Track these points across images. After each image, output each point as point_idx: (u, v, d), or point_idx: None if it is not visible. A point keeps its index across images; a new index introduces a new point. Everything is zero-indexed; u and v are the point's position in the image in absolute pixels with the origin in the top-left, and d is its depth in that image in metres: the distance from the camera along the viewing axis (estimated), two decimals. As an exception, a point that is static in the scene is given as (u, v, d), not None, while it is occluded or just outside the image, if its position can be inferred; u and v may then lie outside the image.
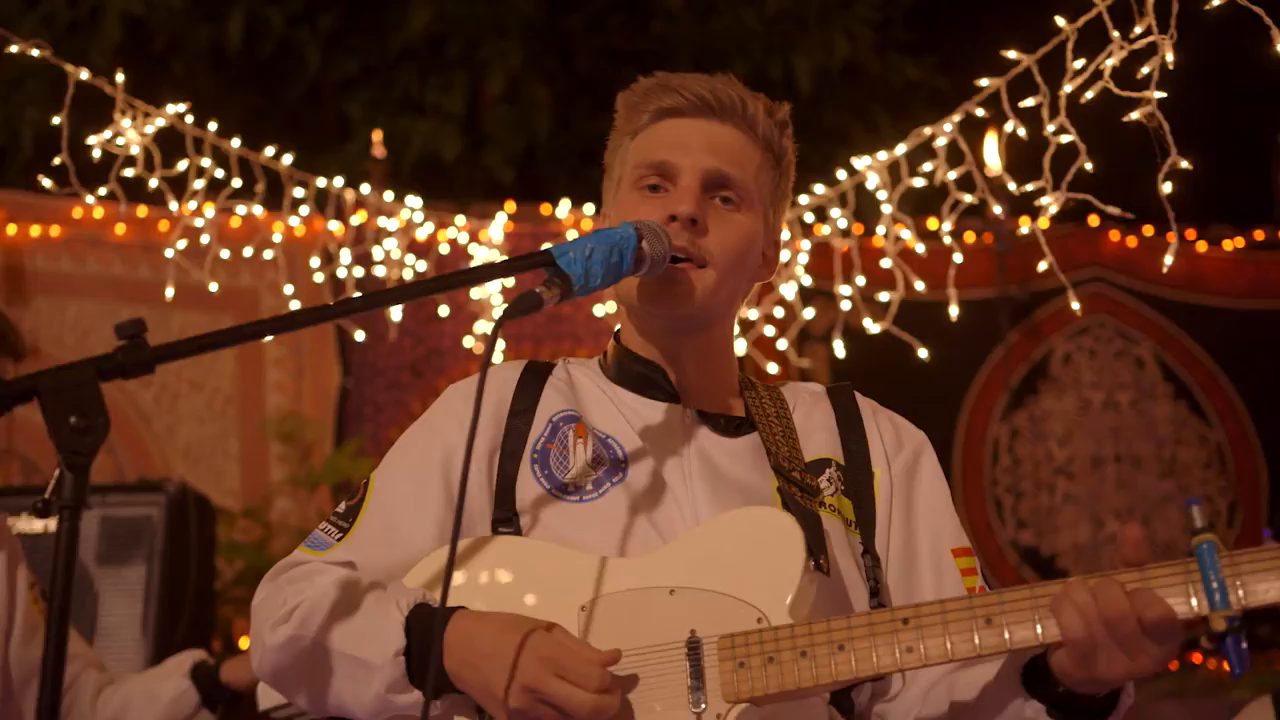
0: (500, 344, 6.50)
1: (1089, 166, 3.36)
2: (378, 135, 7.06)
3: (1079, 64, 3.25)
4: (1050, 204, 3.50)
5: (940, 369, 5.64)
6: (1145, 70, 3.05)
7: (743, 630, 1.84)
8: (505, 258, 6.50)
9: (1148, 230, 7.68)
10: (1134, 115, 2.98)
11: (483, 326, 6.49)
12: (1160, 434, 7.45)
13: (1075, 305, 3.82)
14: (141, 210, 6.46)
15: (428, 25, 8.57)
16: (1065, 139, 3.45)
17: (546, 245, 2.01)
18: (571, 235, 6.97)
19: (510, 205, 6.97)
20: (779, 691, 1.80)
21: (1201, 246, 7.76)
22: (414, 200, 5.97)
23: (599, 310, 6.55)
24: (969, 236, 7.08)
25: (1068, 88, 3.24)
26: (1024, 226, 7.24)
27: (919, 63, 9.87)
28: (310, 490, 6.60)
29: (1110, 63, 3.10)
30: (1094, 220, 7.57)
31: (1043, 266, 3.73)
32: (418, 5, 8.54)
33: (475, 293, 6.36)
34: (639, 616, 1.90)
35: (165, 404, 6.97)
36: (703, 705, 1.82)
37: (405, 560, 2.08)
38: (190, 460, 6.92)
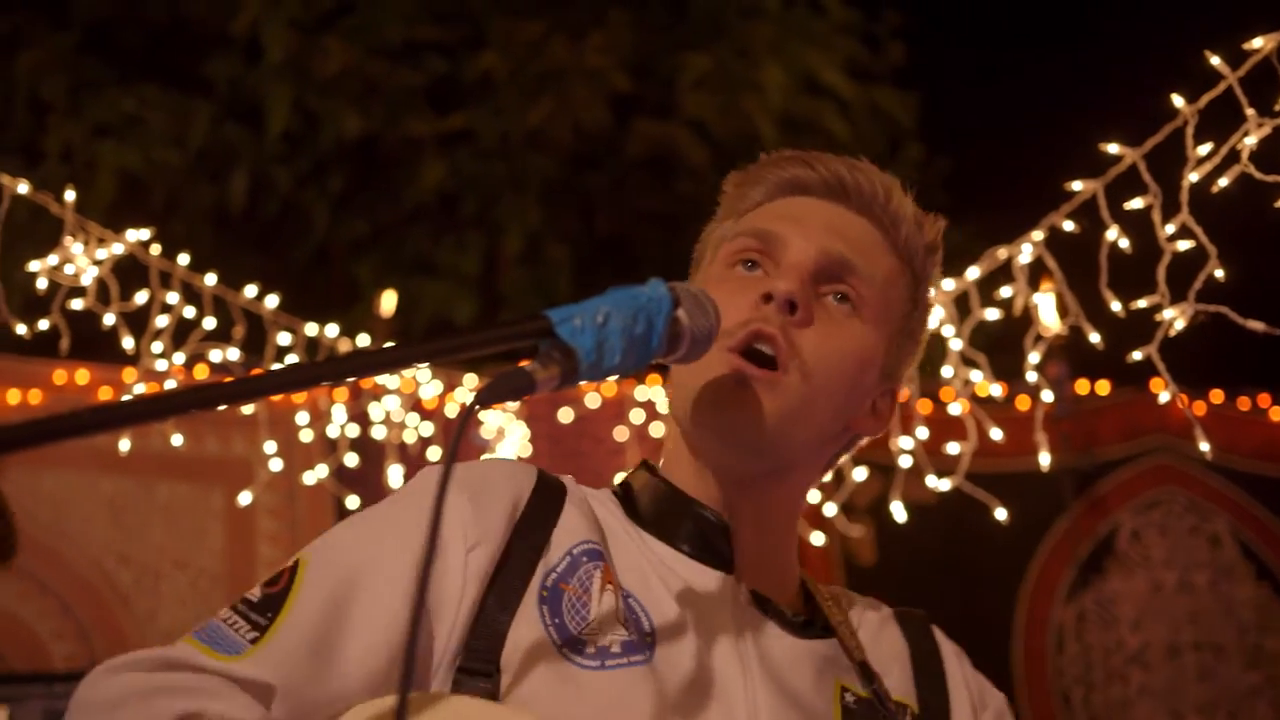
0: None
1: (1220, 274, 2.76)
2: (387, 294, 6.59)
3: (1204, 149, 2.68)
4: (1176, 317, 2.90)
5: (996, 545, 5.12)
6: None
7: None
8: (523, 429, 5.98)
9: (1216, 396, 7.14)
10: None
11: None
12: (1243, 619, 6.77)
13: (1204, 446, 3.18)
14: (129, 374, 6.01)
15: (440, 183, 8.22)
16: (1183, 245, 2.86)
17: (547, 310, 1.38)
18: (593, 401, 6.44)
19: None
20: None
21: (1276, 414, 7.21)
22: (419, 356, 5.40)
23: (620, 434, 5.99)
24: (1022, 402, 6.50)
25: (1193, 176, 2.66)
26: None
27: (957, 227, 9.53)
28: (297, 679, 5.92)
29: (1250, 141, 2.52)
30: (1158, 385, 7.01)
31: (1164, 397, 3.10)
32: (430, 162, 8.23)
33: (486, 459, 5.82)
34: None
35: (146, 585, 6.38)
36: None
37: (342, 694, 1.40)
38: (171, 647, 6.30)
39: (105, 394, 6.27)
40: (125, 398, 3.90)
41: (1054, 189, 3.40)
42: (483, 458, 1.68)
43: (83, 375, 6.21)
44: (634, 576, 1.56)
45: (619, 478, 1.74)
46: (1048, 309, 4.20)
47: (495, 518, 1.54)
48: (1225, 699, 6.58)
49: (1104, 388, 6.97)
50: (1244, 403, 7.17)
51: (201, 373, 5.45)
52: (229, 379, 1.20)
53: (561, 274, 8.32)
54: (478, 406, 1.24)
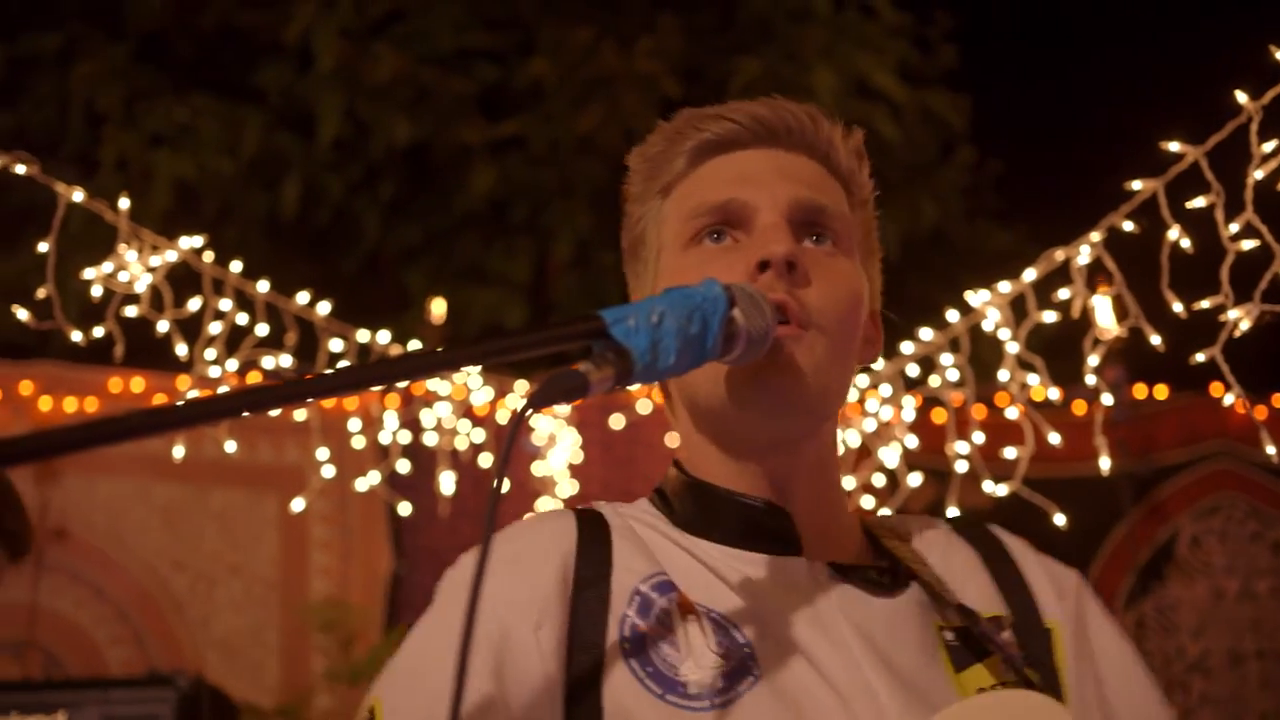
0: (566, 489, 5.92)
1: (1286, 273, 2.71)
2: (437, 302, 6.59)
3: (1269, 146, 2.63)
4: (1241, 318, 2.84)
5: (1054, 551, 5.03)
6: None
7: None
8: (575, 435, 5.96)
9: (1278, 400, 7.00)
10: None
11: (546, 503, 5.89)
12: (1307, 628, 6.66)
13: (1271, 450, 3.13)
14: (183, 382, 6.04)
15: (491, 189, 8.22)
16: (1247, 245, 2.81)
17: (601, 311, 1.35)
18: (645, 407, 6.41)
19: (577, 374, 6.41)
20: None
21: (1341, 415, 7.07)
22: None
23: (671, 440, 5.97)
24: (1079, 407, 6.41)
25: (1258, 173, 2.60)
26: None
27: (1009, 228, 9.46)
28: (350, 685, 5.94)
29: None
30: (1218, 389, 6.89)
31: (1228, 400, 3.05)
32: (480, 169, 8.22)
33: (538, 468, 5.82)
34: None
35: (201, 591, 6.41)
36: None
37: None
38: (225, 652, 6.32)
39: (160, 401, 6.30)
40: (179, 402, 3.91)
41: (1111, 189, 3.35)
42: (525, 515, 1.58)
43: (138, 383, 6.25)
44: (705, 590, 1.47)
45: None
46: (1105, 311, 4.14)
47: (547, 587, 1.46)
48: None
49: (1162, 392, 6.87)
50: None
51: (254, 379, 5.47)
52: (281, 382, 1.19)
53: (612, 280, 8.30)
54: (530, 410, 1.20)
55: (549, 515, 1.59)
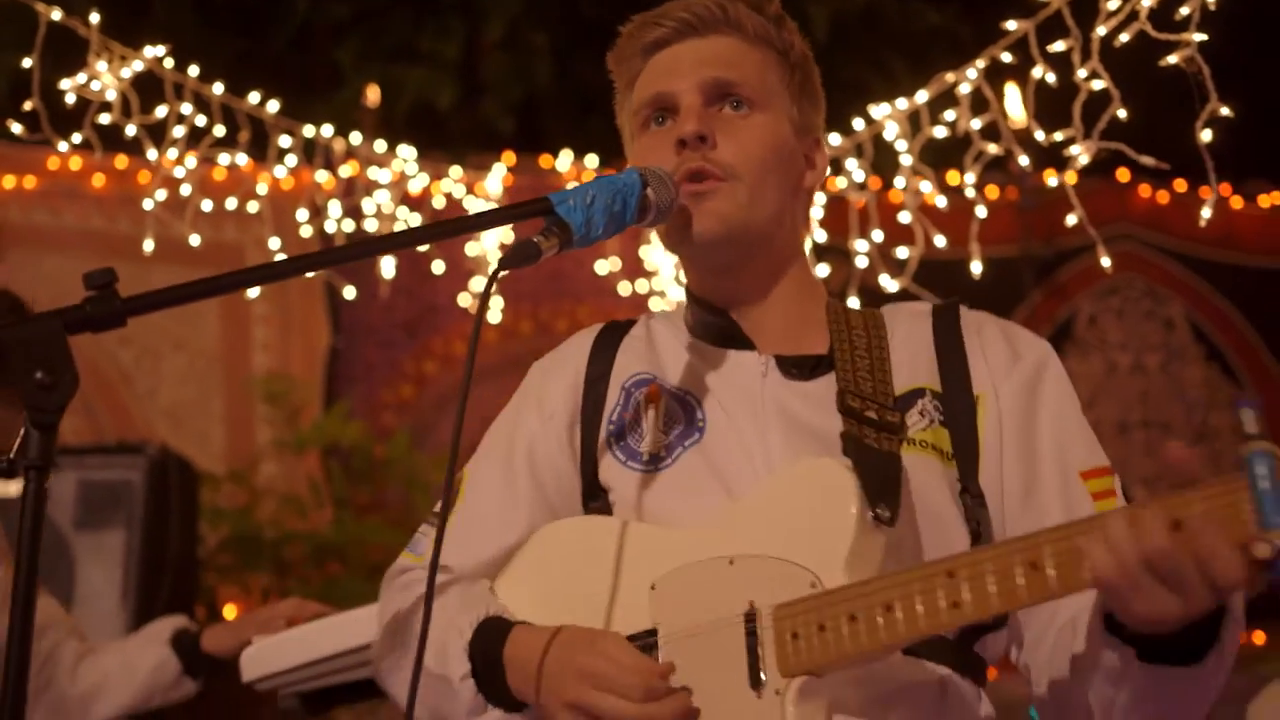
0: (498, 302, 6.22)
1: (1122, 114, 3.08)
2: (372, 89, 6.74)
3: (1113, 4, 2.95)
4: (1081, 154, 3.20)
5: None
6: (1184, 11, 2.79)
7: (797, 597, 1.67)
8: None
9: (1180, 185, 7.34)
10: (1172, 59, 2.75)
11: (479, 283, 6.17)
12: (1191, 398, 7.14)
13: (1106, 261, 3.56)
14: (121, 161, 6.16)
15: (423, -32, 8.22)
16: (1097, 86, 3.19)
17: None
18: (573, 187, 6.64)
19: (509, 157, 6.68)
20: (835, 659, 1.63)
21: (1237, 202, 7.45)
22: (407, 151, 5.65)
23: (601, 268, 6.26)
24: (991, 191, 6.73)
25: (1101, 29, 2.94)
26: (1051, 179, 6.99)
27: (940, 9, 9.54)
28: (297, 453, 6.30)
29: (1147, 3, 2.82)
30: (1124, 175, 7.21)
31: (1071, 220, 3.47)
32: (413, -53, 8.19)
33: (471, 248, 6.07)
34: (701, 591, 1.77)
35: (147, 365, 6.67)
36: (762, 681, 1.66)
37: (498, 555, 2.02)
38: (173, 422, 6.63)
39: (99, 181, 6.44)
40: (146, 204, 4.16)
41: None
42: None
43: (75, 161, 6.34)
44: (686, 376, 2.01)
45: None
46: (1014, 102, 4.47)
47: (560, 390, 2.05)
48: (1170, 473, 6.93)
49: (1071, 178, 7.16)
50: (1205, 191, 7.36)
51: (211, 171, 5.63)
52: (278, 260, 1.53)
53: (543, 59, 8.37)
54: (499, 272, 1.69)
55: (583, 333, 2.15)
